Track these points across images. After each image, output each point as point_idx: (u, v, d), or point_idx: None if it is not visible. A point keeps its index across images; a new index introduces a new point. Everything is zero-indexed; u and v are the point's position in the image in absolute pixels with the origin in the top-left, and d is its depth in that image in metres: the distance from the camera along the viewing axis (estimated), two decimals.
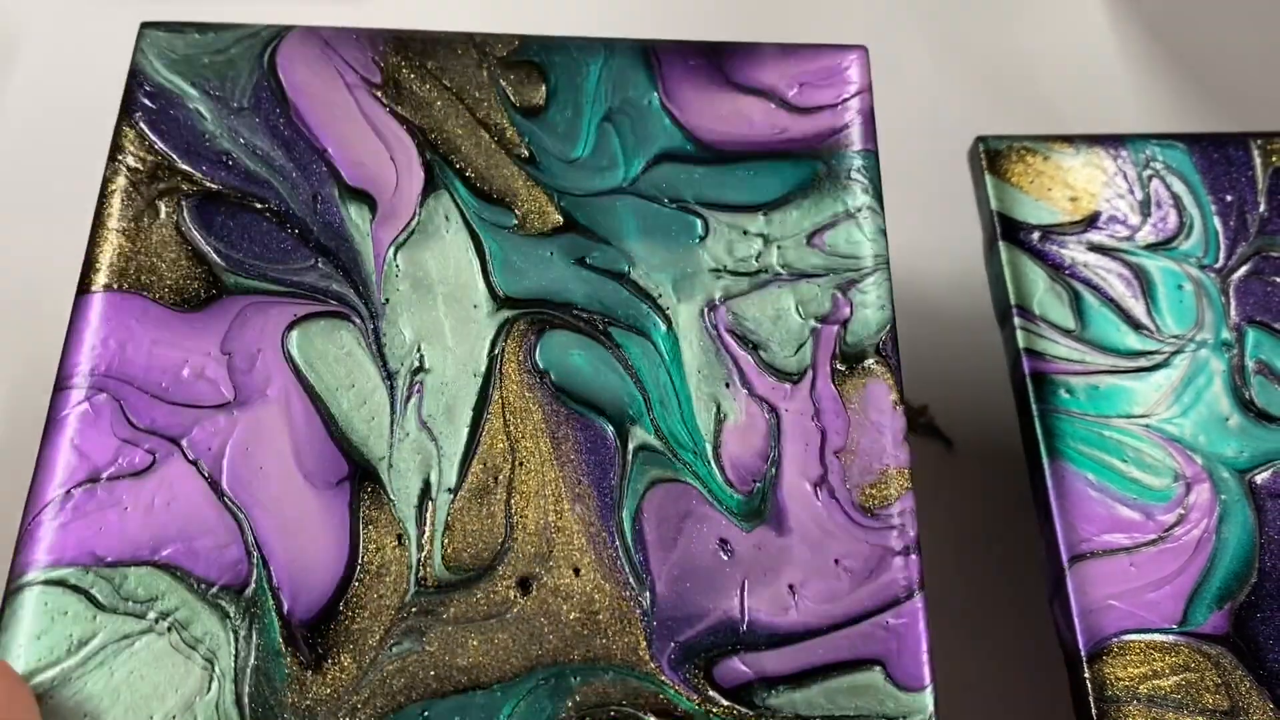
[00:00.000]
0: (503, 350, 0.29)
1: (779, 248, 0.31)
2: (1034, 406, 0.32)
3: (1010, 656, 0.37)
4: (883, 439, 0.29)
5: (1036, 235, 0.35)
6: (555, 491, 0.28)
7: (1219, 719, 0.29)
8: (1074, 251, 0.35)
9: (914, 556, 0.27)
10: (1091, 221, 0.35)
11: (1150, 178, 0.36)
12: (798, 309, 0.30)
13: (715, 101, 0.33)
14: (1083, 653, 0.29)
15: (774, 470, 0.28)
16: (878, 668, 0.26)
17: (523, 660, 0.26)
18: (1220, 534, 0.31)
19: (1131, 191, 0.36)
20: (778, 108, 0.33)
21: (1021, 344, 0.33)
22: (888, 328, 0.30)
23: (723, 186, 0.32)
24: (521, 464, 0.28)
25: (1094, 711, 0.28)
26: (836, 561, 0.27)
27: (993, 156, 0.36)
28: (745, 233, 0.31)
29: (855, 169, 0.32)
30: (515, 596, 0.27)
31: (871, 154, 0.32)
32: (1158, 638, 0.29)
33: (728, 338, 0.30)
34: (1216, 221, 0.36)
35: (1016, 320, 0.33)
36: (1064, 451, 0.31)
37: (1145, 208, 0.36)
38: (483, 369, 0.29)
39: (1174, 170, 0.36)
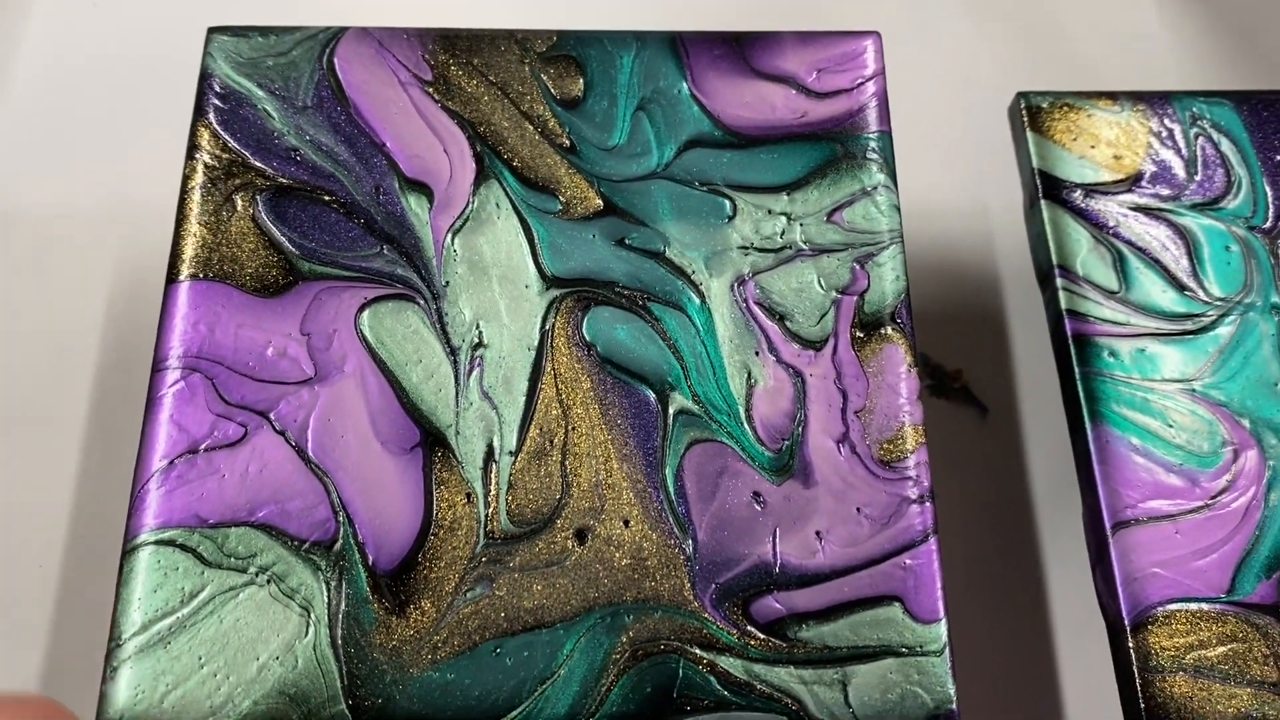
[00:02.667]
0: (553, 326, 0.32)
1: (801, 225, 0.34)
2: (1076, 369, 0.32)
3: (1048, 624, 0.39)
4: (899, 398, 0.32)
5: (1079, 194, 0.35)
6: (605, 452, 0.31)
7: (1267, 690, 0.28)
8: (1117, 211, 0.35)
9: (928, 504, 0.30)
10: (1135, 180, 0.35)
11: (1197, 136, 0.36)
12: (820, 281, 0.33)
13: (740, 89, 0.35)
14: (1126, 621, 0.29)
15: (800, 429, 0.31)
16: (896, 603, 0.29)
17: (581, 602, 0.29)
18: (1269, 501, 0.30)
19: (1177, 150, 0.35)
20: (798, 93, 0.35)
21: (1064, 305, 0.33)
22: (902, 296, 0.33)
23: (748, 169, 0.34)
24: (574, 428, 0.31)
25: (1139, 681, 0.28)
26: (858, 510, 0.30)
27: (1034, 113, 0.36)
28: (770, 212, 0.34)
29: (871, 149, 0.35)
30: (573, 546, 0.30)
31: (886, 135, 0.35)
32: (1204, 607, 0.29)
33: (756, 310, 0.33)
34: (1265, 181, 0.35)
35: (1059, 281, 0.34)
36: (1107, 415, 0.32)
37: (1191, 167, 0.35)
38: (535, 343, 0.32)
39: (1221, 128, 0.36)
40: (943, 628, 0.29)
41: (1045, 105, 0.37)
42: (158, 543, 0.29)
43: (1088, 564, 0.32)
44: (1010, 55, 0.48)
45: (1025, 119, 0.37)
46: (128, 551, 0.29)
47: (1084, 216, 0.35)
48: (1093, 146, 0.36)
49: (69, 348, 0.41)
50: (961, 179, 0.44)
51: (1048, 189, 0.36)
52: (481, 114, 0.35)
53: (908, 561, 0.30)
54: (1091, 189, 0.36)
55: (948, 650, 0.29)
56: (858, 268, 0.33)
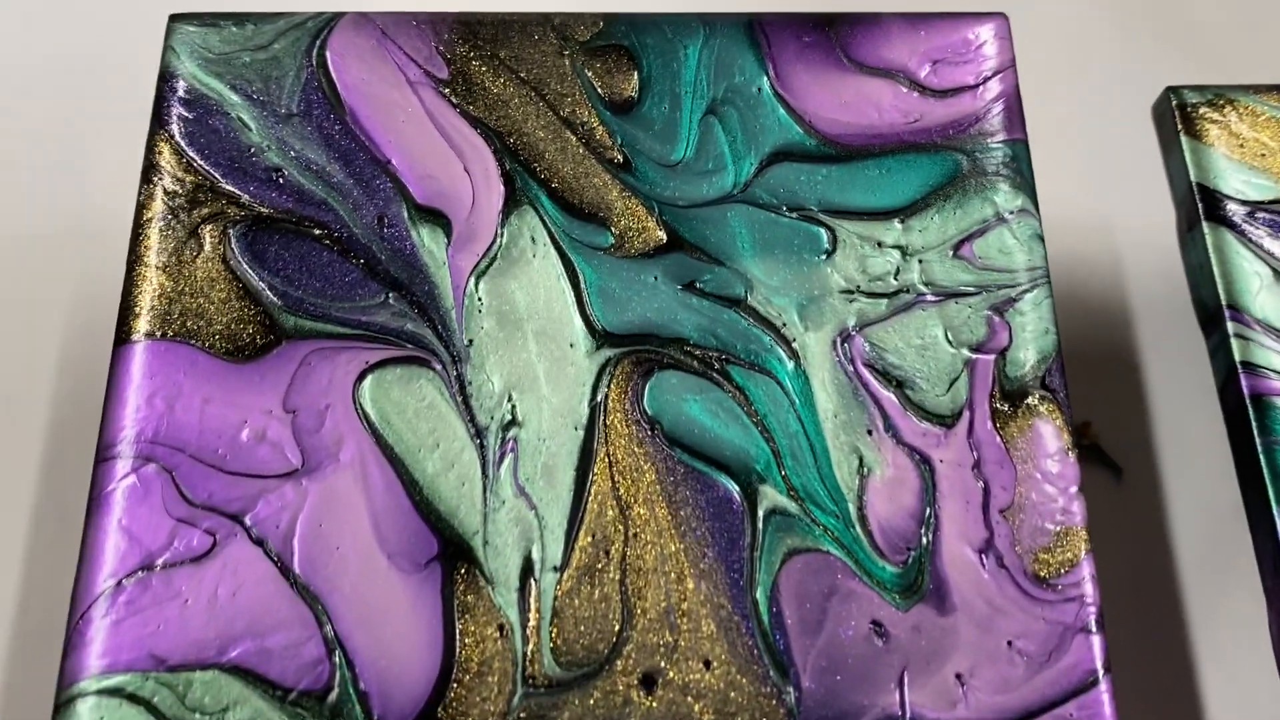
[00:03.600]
0: (605, 397, 0.25)
1: (920, 261, 0.27)
2: (1257, 439, 0.27)
3: None
4: (1055, 491, 0.25)
5: (1248, 213, 0.29)
6: (677, 567, 0.24)
7: None
8: None
9: (1097, 634, 0.23)
10: None
11: None
12: (947, 336, 0.26)
13: (836, 86, 0.28)
14: None
15: (931, 535, 0.24)
16: None
17: None
18: None
19: None
20: (909, 90, 0.28)
21: (1238, 356, 0.27)
22: (1053, 355, 0.26)
23: (850, 188, 0.27)
24: (635, 535, 0.24)
25: None
26: (1009, 644, 0.23)
27: (1187, 112, 0.30)
28: (879, 245, 0.27)
29: (1002, 161, 0.27)
30: (639, 696, 0.23)
31: (1021, 143, 0.28)
32: None
33: (867, 374, 0.25)
34: None
35: (1229, 325, 0.28)
36: None
37: None
38: (584, 421, 0.25)
39: None
40: None
41: (1201, 103, 0.30)
42: (101, 692, 0.23)
43: (1246, 662, 0.28)
44: (1137, 40, 0.40)
45: (1177, 120, 0.30)
46: (63, 704, 0.22)
47: (1256, 244, 0.29)
48: (1263, 155, 0.30)
49: (15, 406, 0.34)
50: (1081, 191, 0.37)
51: (1209, 209, 0.29)
52: (511, 122, 0.28)
53: (1075, 713, 0.23)
54: (1264, 208, 0.29)
55: None
56: (995, 318, 0.26)
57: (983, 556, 0.24)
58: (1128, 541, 0.34)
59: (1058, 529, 0.24)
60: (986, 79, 0.28)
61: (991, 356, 0.26)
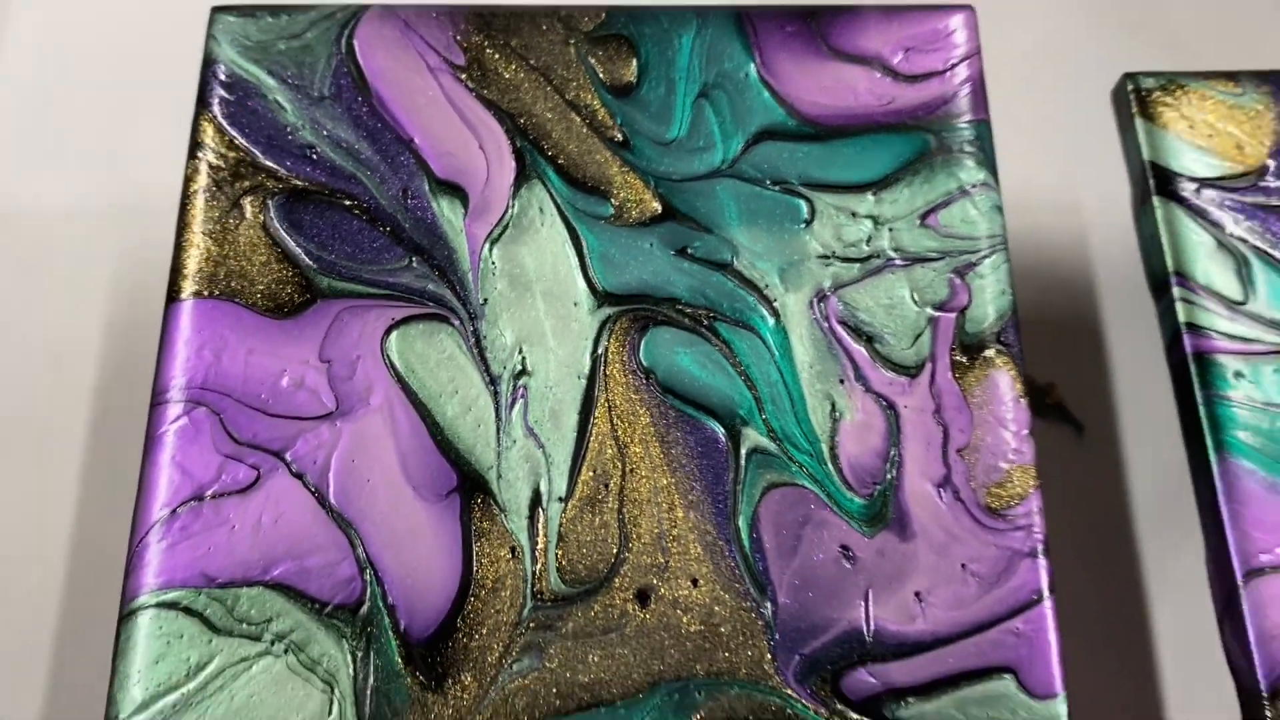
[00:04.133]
0: (606, 350, 0.28)
1: (890, 230, 0.29)
2: (1198, 392, 0.29)
3: (1157, 681, 0.35)
4: (1007, 434, 0.27)
5: (1196, 189, 0.31)
6: (668, 498, 0.27)
7: None
8: (1241, 209, 0.31)
9: (1043, 559, 0.26)
10: (1262, 174, 0.31)
11: None
12: (913, 296, 0.29)
13: (816, 72, 0.31)
14: (1263, 685, 0.26)
15: (894, 471, 0.27)
16: (1009, 675, 0.25)
17: (645, 675, 0.25)
18: None
19: None
20: (883, 76, 0.31)
21: (1182, 318, 0.30)
22: (1009, 314, 0.28)
23: (828, 165, 0.30)
24: (632, 470, 0.27)
25: None
26: (963, 566, 0.26)
27: (1143, 96, 0.32)
28: (854, 215, 0.29)
29: (967, 140, 0.30)
30: (634, 609, 0.26)
31: (984, 123, 0.30)
32: None
33: (840, 330, 0.28)
34: None
35: (1175, 290, 0.30)
36: (1234, 445, 0.28)
37: None
38: (586, 370, 0.28)
39: None
40: (1061, 705, 0.25)
41: (1156, 88, 0.33)
42: (159, 605, 0.25)
43: (1203, 609, 0.28)
44: (1106, 30, 0.43)
45: (1133, 103, 0.32)
46: (125, 616, 0.25)
47: (1203, 216, 0.31)
48: (1211, 135, 0.32)
49: (66, 362, 0.37)
50: (1051, 171, 0.40)
51: (1161, 184, 0.31)
52: (522, 104, 0.30)
53: (1020, 626, 0.26)
54: (1211, 184, 0.31)
55: None
56: (957, 280, 0.29)
57: (940, 490, 0.27)
58: (1088, 494, 0.37)
59: (1009, 467, 0.27)
60: (954, 65, 0.31)
61: (953, 314, 0.29)
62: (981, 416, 0.28)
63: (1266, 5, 0.44)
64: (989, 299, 0.29)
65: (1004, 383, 0.28)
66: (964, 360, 0.28)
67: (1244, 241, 0.31)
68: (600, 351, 0.28)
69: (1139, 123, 0.32)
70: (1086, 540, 0.35)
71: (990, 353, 0.28)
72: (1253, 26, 0.43)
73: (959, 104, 0.31)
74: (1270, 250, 0.31)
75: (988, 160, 0.30)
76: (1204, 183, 0.32)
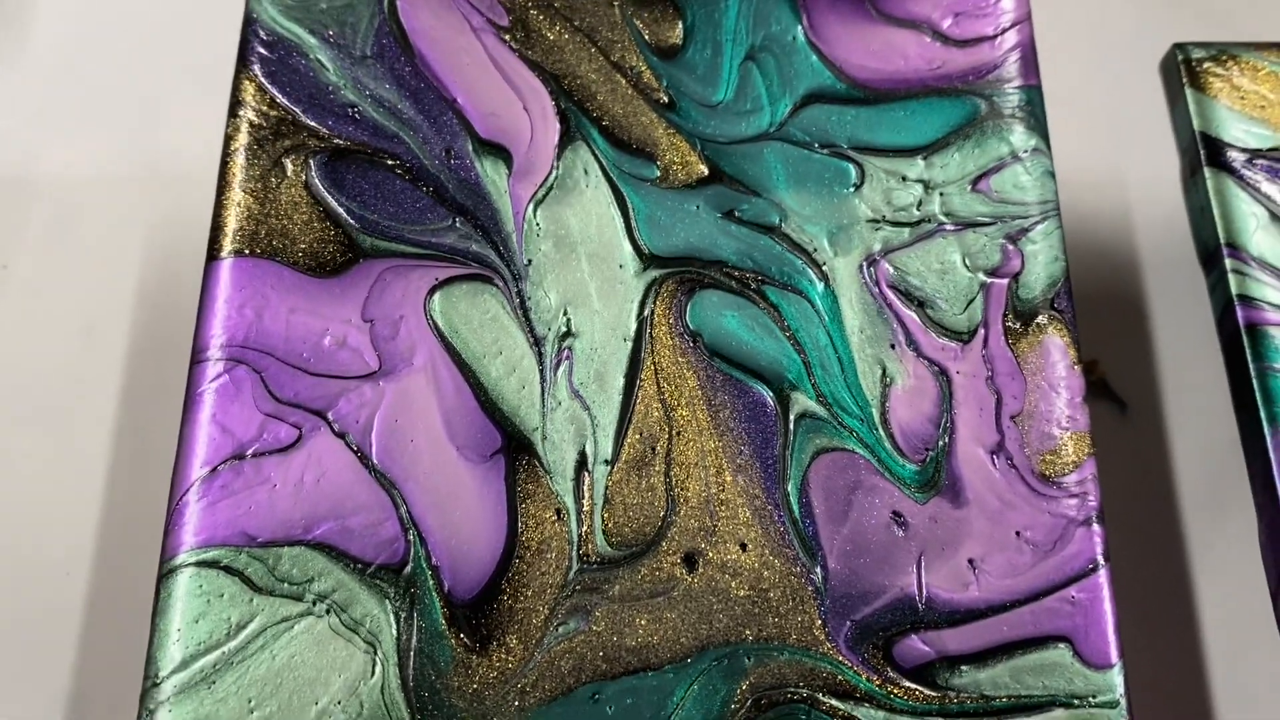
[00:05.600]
0: (652, 312, 0.28)
1: (941, 194, 0.29)
2: (1251, 365, 0.28)
3: (1201, 651, 0.34)
4: (1060, 402, 0.27)
5: (1248, 160, 0.31)
6: (716, 462, 0.26)
7: None
8: None
9: (1097, 526, 0.26)
10: None
11: None
12: (965, 261, 0.28)
13: (865, 35, 0.31)
14: None
15: (947, 437, 0.27)
16: (1064, 644, 0.25)
17: (693, 640, 0.25)
18: None
19: None
20: (933, 40, 0.31)
21: (1234, 290, 0.29)
22: (1062, 280, 0.28)
23: (877, 128, 0.30)
24: (679, 433, 0.27)
25: None
26: (1018, 534, 0.26)
27: (1193, 67, 0.32)
28: (904, 179, 0.29)
29: (1018, 105, 0.30)
30: (681, 573, 0.26)
31: (1035, 89, 0.30)
32: None
33: (890, 294, 0.28)
34: None
35: (1227, 261, 0.30)
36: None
37: None
38: (632, 333, 0.27)
39: None
40: (1118, 675, 0.25)
41: (1206, 58, 0.32)
42: (199, 564, 0.25)
43: (1245, 583, 0.29)
44: (1151, 3, 0.42)
45: (1183, 75, 0.32)
46: (165, 574, 0.25)
47: (1254, 187, 0.30)
48: (1263, 106, 0.32)
49: (98, 329, 0.37)
50: (1095, 144, 0.39)
51: (1211, 155, 0.31)
52: (566, 65, 0.30)
53: (1076, 595, 0.25)
54: (1262, 155, 0.31)
55: (1124, 702, 0.24)
56: (1009, 245, 0.28)
57: (994, 457, 0.26)
58: (1131, 471, 0.36)
59: (1063, 434, 0.27)
60: (1004, 30, 0.31)
61: (1005, 280, 0.28)
62: (1035, 383, 0.27)
63: None
64: (1041, 265, 0.28)
65: (1057, 350, 0.27)
66: (1017, 326, 0.28)
67: None
68: (646, 314, 0.28)
69: (1189, 93, 0.32)
70: (1131, 517, 0.35)
71: (1043, 319, 0.28)
72: None
73: (1009, 69, 0.30)
74: None
75: (1039, 126, 0.30)
76: (1255, 154, 0.31)
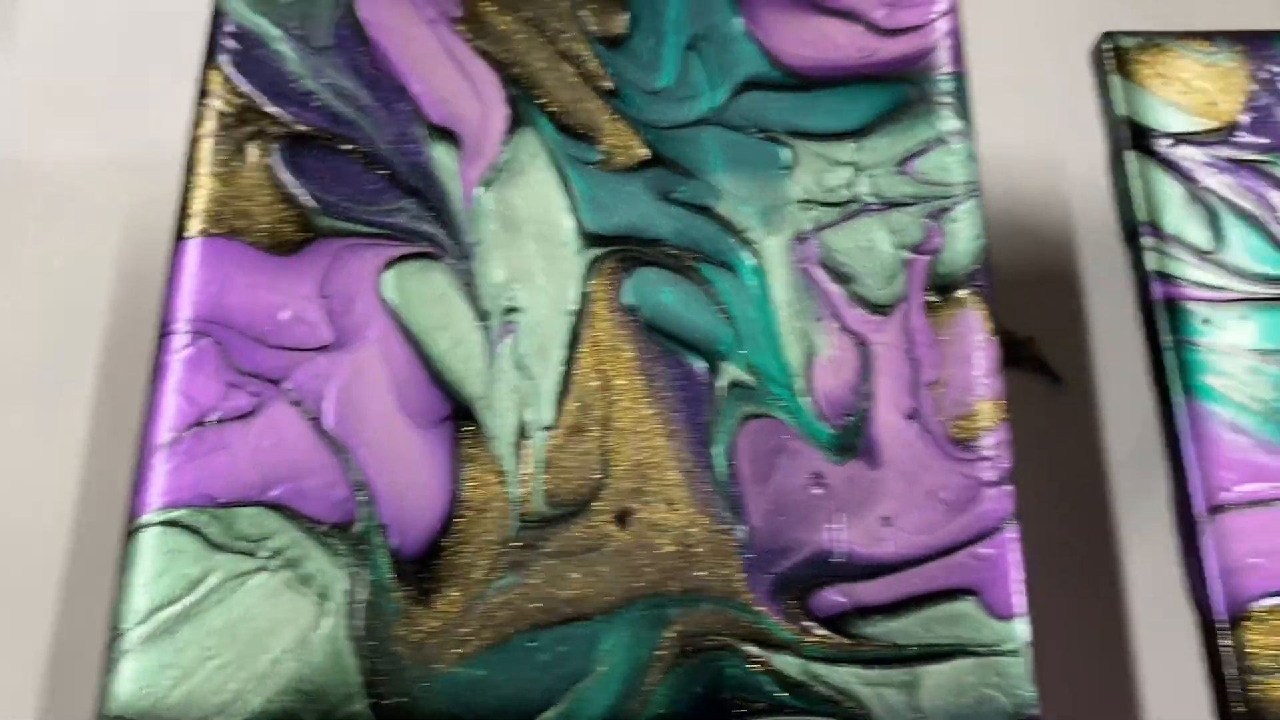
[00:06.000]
0: (592, 288, 0.29)
1: (869, 176, 0.30)
2: (1166, 337, 0.30)
3: (1127, 617, 0.36)
4: (976, 370, 0.29)
5: (1169, 143, 0.32)
6: (649, 428, 0.28)
7: None
8: (1212, 163, 0.32)
9: (1007, 487, 0.27)
10: (1233, 130, 0.32)
11: None
12: (889, 239, 0.30)
13: (800, 25, 0.32)
14: (1220, 617, 0.27)
15: (866, 404, 0.28)
16: (971, 597, 0.26)
17: (622, 592, 0.27)
18: None
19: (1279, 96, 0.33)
20: (865, 30, 0.32)
21: (1152, 266, 0.31)
22: (981, 257, 0.30)
23: (810, 114, 0.31)
24: (615, 402, 0.28)
25: (1234, 683, 0.26)
26: (930, 493, 0.27)
27: (1121, 55, 0.34)
28: (834, 161, 0.31)
29: (945, 92, 0.31)
30: (613, 530, 0.27)
31: (960, 76, 0.31)
32: None
33: (818, 271, 0.29)
34: None
35: (1146, 239, 0.31)
36: (1199, 388, 0.29)
37: None
38: (574, 307, 0.29)
39: None
40: (1023, 624, 0.26)
41: (1133, 46, 0.34)
42: (164, 524, 0.27)
43: (1165, 545, 0.30)
44: None
45: (1111, 62, 0.33)
46: (131, 532, 0.27)
47: (1175, 169, 0.32)
48: (1185, 93, 0.33)
49: (77, 311, 0.39)
50: (1034, 128, 0.40)
51: (1135, 138, 0.32)
52: (515, 54, 0.32)
53: (983, 550, 0.27)
54: (1184, 139, 0.32)
55: (1028, 649, 0.26)
56: (931, 224, 0.30)
57: (910, 422, 0.28)
58: (1065, 443, 0.37)
59: (976, 401, 0.28)
60: (933, 20, 0.32)
61: (927, 257, 0.30)
62: (951, 353, 0.29)
63: None
64: (962, 243, 0.30)
65: (974, 322, 0.29)
66: (936, 300, 0.29)
67: (1214, 194, 0.32)
68: (587, 290, 0.29)
69: (1116, 80, 0.34)
70: (1062, 483, 0.36)
71: (962, 293, 0.29)
72: None
73: (937, 57, 0.32)
74: (1240, 202, 0.32)
75: (964, 111, 0.31)
76: (1178, 138, 0.33)
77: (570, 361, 0.29)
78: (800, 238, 0.30)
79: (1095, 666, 0.34)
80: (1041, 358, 0.39)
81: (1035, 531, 0.33)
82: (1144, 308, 0.31)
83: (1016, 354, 0.39)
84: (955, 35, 0.32)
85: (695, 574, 0.27)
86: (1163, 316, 0.30)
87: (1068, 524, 0.36)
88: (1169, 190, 0.32)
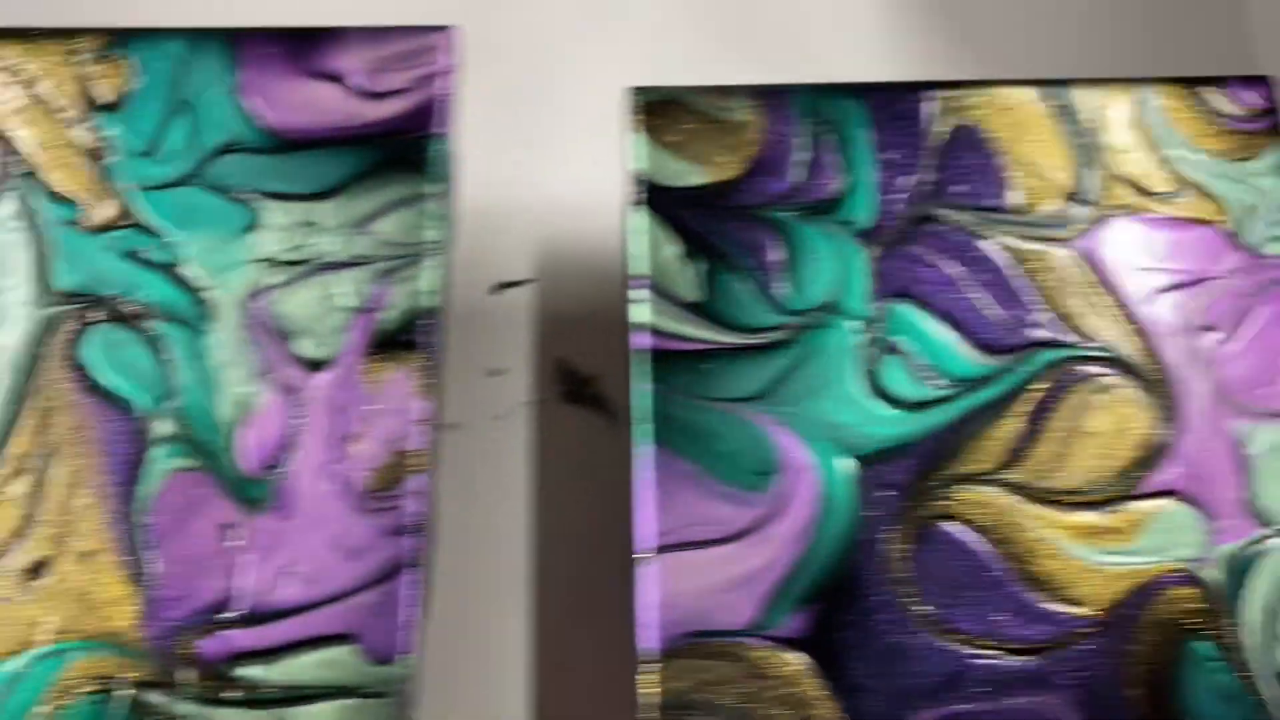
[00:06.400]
0: (47, 344, 0.31)
1: (331, 236, 0.32)
2: (640, 385, 0.31)
3: (590, 651, 0.37)
4: (402, 424, 0.30)
5: (677, 197, 0.33)
6: (80, 478, 0.30)
7: None
8: (717, 216, 0.33)
9: (410, 536, 0.29)
10: (742, 183, 0.34)
11: (817, 134, 0.34)
12: (337, 298, 0.31)
13: (289, 89, 0.34)
14: (647, 652, 0.28)
15: (290, 457, 0.30)
16: (351, 641, 0.28)
17: (26, 635, 0.28)
18: (821, 529, 0.29)
19: (790, 150, 0.34)
20: (351, 93, 0.34)
21: (634, 318, 0.32)
22: (429, 314, 0.31)
23: (285, 176, 0.33)
24: (54, 453, 0.30)
25: (648, 717, 0.27)
26: (332, 542, 0.29)
27: (646, 110, 0.35)
28: (298, 222, 0.32)
29: (422, 154, 0.33)
30: (26, 580, 0.29)
31: (441, 138, 0.33)
32: (729, 641, 0.28)
33: (263, 328, 0.31)
34: (877, 184, 0.34)
35: (634, 293, 0.32)
36: (661, 435, 0.31)
37: (806, 168, 0.34)
38: (25, 363, 0.31)
39: (840, 126, 0.35)
40: (402, 668, 0.28)
41: (655, 101, 0.35)
42: None
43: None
44: (695, 39, 0.46)
45: (635, 117, 0.35)
46: None
47: (676, 223, 0.33)
48: (702, 147, 0.34)
49: None
50: (606, 175, 0.42)
51: (643, 191, 0.34)
52: (14, 124, 0.33)
53: (369, 598, 0.28)
54: (693, 193, 0.34)
55: (404, 691, 0.28)
56: (384, 282, 0.31)
57: (325, 474, 0.30)
58: (613, 472, 0.39)
59: (397, 453, 0.30)
60: (421, 82, 0.34)
61: (373, 314, 0.31)
62: (380, 407, 0.30)
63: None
64: (411, 301, 0.31)
65: (405, 378, 0.31)
66: (376, 355, 0.31)
67: (712, 247, 0.33)
68: (40, 346, 0.31)
69: (633, 135, 0.35)
70: (608, 517, 0.38)
71: (401, 350, 0.31)
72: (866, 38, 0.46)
73: (420, 119, 0.33)
74: (734, 255, 0.33)
75: (441, 171, 0.33)
76: (686, 192, 0.34)
77: (17, 411, 0.30)
78: (254, 295, 0.31)
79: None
80: (601, 395, 0.41)
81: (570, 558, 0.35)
82: (627, 356, 0.32)
83: (578, 392, 0.41)
84: (442, 97, 0.34)
85: (94, 619, 0.28)
86: (639, 365, 0.32)
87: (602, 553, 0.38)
88: (666, 246, 0.33)
